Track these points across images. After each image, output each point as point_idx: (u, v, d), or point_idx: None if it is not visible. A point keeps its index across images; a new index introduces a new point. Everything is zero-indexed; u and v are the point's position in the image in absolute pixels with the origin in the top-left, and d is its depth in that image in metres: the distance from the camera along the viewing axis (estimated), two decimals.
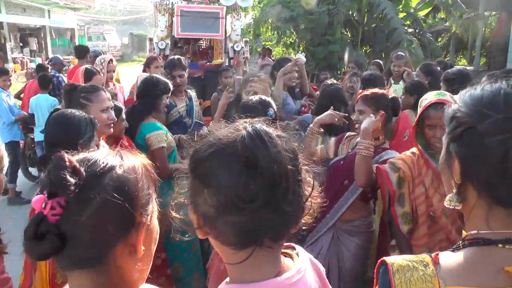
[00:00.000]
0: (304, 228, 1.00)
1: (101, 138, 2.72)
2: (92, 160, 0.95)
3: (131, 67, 17.63)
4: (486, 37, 16.79)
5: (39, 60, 19.09)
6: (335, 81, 4.43)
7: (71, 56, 11.26)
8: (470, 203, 0.96)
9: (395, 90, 5.59)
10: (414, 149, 2.58)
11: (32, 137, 6.71)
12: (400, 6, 13.93)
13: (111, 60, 5.60)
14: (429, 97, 2.47)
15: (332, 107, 3.18)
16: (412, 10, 14.45)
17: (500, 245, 0.90)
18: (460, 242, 0.99)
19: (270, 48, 14.04)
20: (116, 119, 2.77)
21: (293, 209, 0.93)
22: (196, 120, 4.29)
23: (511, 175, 0.87)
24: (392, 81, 6.00)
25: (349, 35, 14.88)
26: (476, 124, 0.91)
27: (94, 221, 0.89)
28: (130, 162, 1.00)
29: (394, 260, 0.98)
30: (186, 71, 4.37)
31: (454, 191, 0.98)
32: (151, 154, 3.14)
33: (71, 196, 0.88)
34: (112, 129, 2.73)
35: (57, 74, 7.60)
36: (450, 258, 0.96)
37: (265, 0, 15.27)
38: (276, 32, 14.98)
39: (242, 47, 7.70)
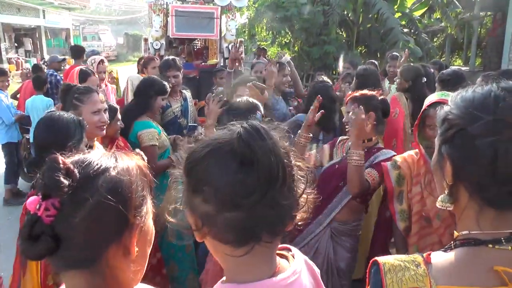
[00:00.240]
0: (299, 224, 1.01)
1: (95, 139, 2.72)
2: (87, 162, 0.96)
3: (126, 67, 17.61)
4: (481, 38, 16.89)
5: (34, 61, 19.03)
6: (325, 79, 4.41)
7: (67, 56, 11.19)
8: (461, 204, 0.97)
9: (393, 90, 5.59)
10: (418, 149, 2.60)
11: (28, 137, 6.69)
12: (396, 6, 13.96)
13: (101, 60, 5.60)
14: (432, 97, 2.48)
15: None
16: (407, 10, 14.47)
17: (490, 245, 0.91)
18: (452, 242, 1.00)
19: (265, 48, 14.05)
20: (107, 121, 2.74)
21: (289, 204, 0.95)
22: (190, 123, 4.29)
23: (501, 177, 0.88)
24: (388, 82, 6.00)
25: (344, 35, 14.91)
26: (467, 126, 0.92)
27: (88, 222, 0.90)
28: (124, 163, 1.00)
29: (386, 260, 0.99)
30: (181, 71, 4.37)
31: (446, 192, 0.99)
32: (142, 151, 3.15)
33: (65, 197, 0.89)
34: (104, 132, 2.72)
35: (54, 73, 7.59)
36: (441, 258, 0.97)
37: (260, 0, 15.28)
38: (271, 32, 14.99)
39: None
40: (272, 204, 0.91)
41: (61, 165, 0.90)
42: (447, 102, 1.02)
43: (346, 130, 2.93)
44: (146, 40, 8.20)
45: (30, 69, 9.30)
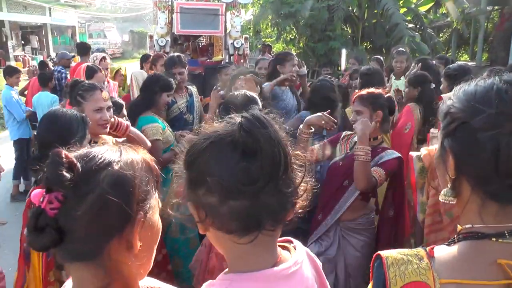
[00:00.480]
0: (300, 211, 1.02)
1: (101, 135, 2.72)
2: (90, 156, 0.96)
3: (131, 64, 17.65)
4: (488, 32, 16.73)
5: (40, 58, 19.11)
6: (328, 77, 4.39)
7: (73, 53, 11.25)
8: (464, 197, 0.97)
9: (396, 86, 5.57)
10: None
11: (36, 134, 6.74)
12: (401, 2, 13.89)
13: (103, 57, 5.63)
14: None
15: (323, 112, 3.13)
16: (413, 6, 14.40)
17: (493, 239, 0.91)
18: (455, 236, 0.99)
19: (270, 44, 14.03)
20: (110, 119, 2.73)
21: (290, 192, 0.96)
22: (196, 119, 4.31)
23: (503, 170, 0.87)
24: (394, 77, 5.98)
25: (349, 31, 14.86)
26: (469, 119, 0.91)
27: (90, 216, 0.90)
28: (128, 157, 1.01)
29: (389, 253, 0.99)
30: (186, 68, 4.39)
31: (449, 185, 0.99)
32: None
33: (68, 191, 0.90)
34: (107, 130, 2.71)
35: (62, 70, 7.63)
36: (444, 252, 0.97)
37: None
38: (276, 28, 14.96)
39: (242, 44, 7.70)
40: (274, 191, 0.93)
41: (64, 159, 0.91)
42: None
43: (354, 127, 2.94)
44: (151, 37, 8.21)
45: (37, 66, 9.37)
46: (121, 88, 6.54)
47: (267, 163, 0.91)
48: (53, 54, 22.65)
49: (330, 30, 13.26)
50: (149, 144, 3.07)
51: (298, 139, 2.91)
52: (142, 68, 7.14)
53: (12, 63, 20.06)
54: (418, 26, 14.01)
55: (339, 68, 12.56)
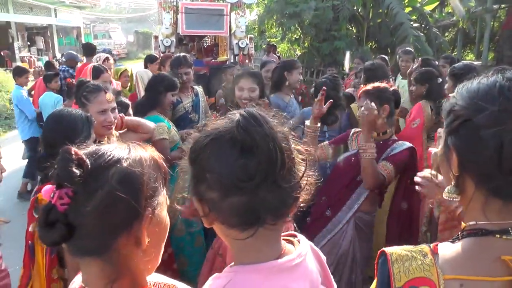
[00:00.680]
0: (302, 205, 1.04)
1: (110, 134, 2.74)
2: (99, 153, 0.98)
3: (136, 65, 17.71)
4: (494, 31, 16.64)
5: (46, 59, 19.21)
6: (332, 76, 4.38)
7: (79, 54, 11.32)
8: (468, 194, 0.97)
9: (403, 86, 5.55)
10: None
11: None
12: (406, 1, 13.84)
13: (106, 58, 5.66)
14: None
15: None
16: (418, 5, 14.33)
17: (497, 236, 0.91)
18: (459, 233, 1.00)
19: (275, 44, 14.02)
20: (114, 120, 2.74)
21: (290, 187, 0.98)
22: (202, 118, 4.32)
23: (507, 167, 0.88)
24: (401, 77, 5.95)
25: (354, 31, 14.81)
26: (472, 117, 0.92)
27: (99, 211, 0.92)
28: (137, 155, 1.02)
29: (393, 250, 1.00)
30: (192, 68, 4.41)
31: (453, 183, 1.00)
32: (153, 145, 3.19)
33: (77, 187, 0.92)
34: (111, 131, 2.72)
35: (67, 69, 7.68)
36: (448, 249, 0.97)
37: None
38: (280, 28, 14.94)
39: (247, 44, 7.71)
40: (273, 187, 0.94)
41: (74, 156, 0.93)
42: None
43: (360, 123, 2.94)
44: (156, 37, 8.23)
45: (42, 67, 9.42)
46: (126, 88, 6.56)
47: (264, 160, 0.92)
48: (58, 55, 22.75)
49: (335, 30, 13.23)
50: (150, 125, 3.09)
51: (306, 134, 2.93)
52: (146, 68, 7.17)
53: (18, 64, 20.14)
54: (423, 25, 13.94)
55: (344, 68, 12.55)
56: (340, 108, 3.97)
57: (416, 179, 2.03)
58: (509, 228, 0.91)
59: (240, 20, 7.84)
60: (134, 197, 0.96)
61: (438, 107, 4.01)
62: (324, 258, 1.19)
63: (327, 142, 3.24)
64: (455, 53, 17.06)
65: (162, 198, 1.06)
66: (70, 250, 0.98)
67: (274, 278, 0.98)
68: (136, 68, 8.08)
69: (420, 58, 5.24)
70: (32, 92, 7.56)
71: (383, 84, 2.98)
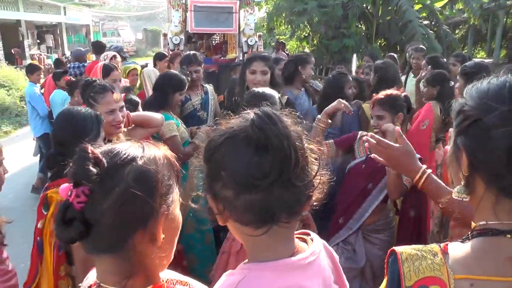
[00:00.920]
0: (315, 204, 1.05)
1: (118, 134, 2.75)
2: (115, 152, 1.00)
3: (145, 62, 17.77)
4: (507, 28, 16.45)
5: (55, 57, 19.34)
6: (341, 72, 4.36)
7: (87, 48, 11.37)
8: (478, 195, 0.97)
9: (413, 84, 5.51)
10: None
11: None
12: None
13: (114, 56, 5.67)
14: None
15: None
16: (428, 2, 14.23)
17: (508, 236, 0.91)
18: (469, 233, 1.00)
19: (284, 42, 14.00)
20: (123, 119, 2.73)
21: (304, 185, 0.99)
22: (211, 116, 4.32)
23: None
24: (412, 75, 5.91)
25: (364, 28, 14.75)
26: (482, 117, 0.92)
27: (115, 209, 0.94)
28: (151, 153, 1.04)
29: (404, 249, 1.00)
30: (202, 66, 4.41)
31: (462, 183, 1.00)
32: (165, 143, 3.20)
33: (94, 185, 0.93)
34: (120, 129, 2.73)
35: (78, 65, 7.72)
36: (459, 248, 0.97)
37: None
38: (289, 25, 14.91)
39: (256, 42, 7.70)
40: (287, 185, 0.95)
41: (90, 155, 0.95)
42: None
43: (375, 132, 2.91)
44: (165, 35, 8.23)
45: (52, 64, 9.49)
46: (136, 86, 6.59)
47: (278, 158, 0.93)
48: (67, 53, 22.89)
49: (344, 28, 13.19)
50: (158, 117, 3.09)
51: (314, 128, 2.89)
52: (155, 66, 7.18)
53: (28, 61, 20.31)
54: (433, 22, 13.84)
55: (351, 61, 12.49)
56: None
57: (365, 138, 2.02)
58: None
59: (249, 17, 7.82)
60: (150, 194, 0.98)
61: (447, 108, 3.98)
62: (337, 256, 1.20)
63: (332, 140, 3.22)
64: (466, 50, 16.91)
65: (176, 196, 1.08)
66: (86, 247, 1.00)
67: (288, 276, 0.98)
68: (146, 66, 8.10)
69: (426, 57, 5.20)
70: (42, 90, 7.63)
71: (394, 92, 2.96)
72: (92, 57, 8.33)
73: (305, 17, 13.42)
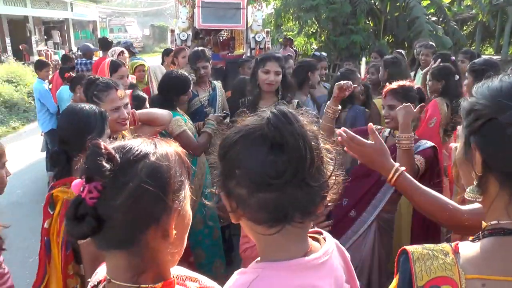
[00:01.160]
0: (329, 205, 1.04)
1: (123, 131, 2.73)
2: (127, 148, 1.00)
3: (152, 58, 17.80)
4: None
5: (62, 53, 19.44)
6: (349, 69, 4.36)
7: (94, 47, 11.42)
8: (491, 194, 0.96)
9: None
10: None
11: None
12: None
13: (121, 52, 5.68)
14: None
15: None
16: None
17: None
18: (480, 232, 0.99)
19: (291, 38, 13.97)
20: (128, 116, 2.71)
21: (318, 185, 0.98)
22: (218, 112, 4.31)
23: None
24: (421, 72, 5.88)
25: (371, 25, 14.69)
26: (496, 115, 0.91)
27: (128, 205, 0.94)
28: (163, 149, 1.04)
29: (415, 248, 0.99)
30: (210, 62, 4.41)
31: (475, 183, 0.99)
32: (176, 140, 3.19)
33: (106, 181, 0.93)
34: (126, 126, 2.71)
35: (84, 62, 7.75)
36: (469, 248, 0.96)
37: None
38: (297, 22, 14.87)
39: (264, 38, 7.68)
40: (301, 185, 0.95)
41: (103, 150, 0.95)
42: None
43: (386, 122, 2.92)
44: (172, 31, 8.23)
45: (59, 60, 9.53)
46: (143, 82, 6.61)
47: (293, 157, 0.93)
48: (74, 49, 22.98)
49: (352, 24, 13.14)
50: (164, 113, 3.09)
51: (324, 113, 2.89)
52: (163, 62, 7.19)
53: (36, 57, 20.43)
54: (441, 19, 13.76)
55: (360, 63, 12.46)
56: (352, 101, 3.96)
57: (337, 132, 1.97)
58: None
59: (256, 13, 7.81)
60: (163, 190, 0.98)
61: (456, 106, 3.95)
62: (348, 256, 1.19)
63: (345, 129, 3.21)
64: (473, 47, 16.80)
65: (187, 192, 1.08)
66: (97, 243, 0.99)
67: (301, 276, 0.98)
68: (152, 62, 8.13)
69: (435, 54, 5.17)
70: (50, 86, 7.67)
71: (408, 83, 2.95)
72: (99, 53, 8.37)
73: (313, 13, 13.36)
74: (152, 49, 35.19)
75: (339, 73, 4.17)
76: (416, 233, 3.04)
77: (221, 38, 8.83)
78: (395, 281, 1.01)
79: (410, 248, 1.00)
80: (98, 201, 0.93)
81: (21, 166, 7.60)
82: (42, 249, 2.08)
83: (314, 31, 15.54)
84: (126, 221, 0.95)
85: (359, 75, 4.15)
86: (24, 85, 13.76)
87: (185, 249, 1.11)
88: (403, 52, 6.92)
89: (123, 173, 0.95)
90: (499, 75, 0.99)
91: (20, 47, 21.28)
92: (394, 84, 2.93)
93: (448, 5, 15.06)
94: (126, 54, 6.00)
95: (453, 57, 5.23)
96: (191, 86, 3.78)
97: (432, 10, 14.00)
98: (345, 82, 2.87)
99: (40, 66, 7.14)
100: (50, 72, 7.60)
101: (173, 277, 1.10)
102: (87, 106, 2.21)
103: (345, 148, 1.94)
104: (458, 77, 4.25)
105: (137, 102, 3.47)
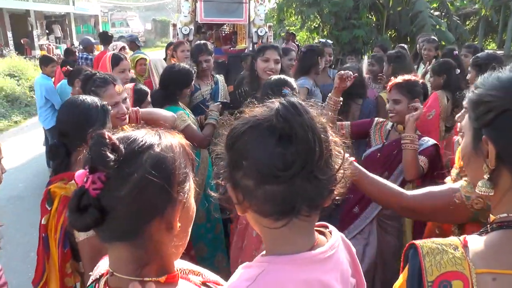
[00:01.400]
0: (337, 199, 1.03)
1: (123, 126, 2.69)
2: (132, 139, 0.98)
3: (154, 53, 17.77)
4: None
5: (64, 47, 19.44)
6: (353, 64, 4.37)
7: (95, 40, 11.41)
8: (502, 188, 0.95)
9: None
10: None
11: None
12: None
13: (123, 47, 5.66)
14: None
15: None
16: None
17: None
18: (488, 225, 0.98)
19: (294, 33, 13.92)
20: (127, 111, 2.68)
21: (327, 179, 0.96)
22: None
23: None
24: (423, 66, 5.88)
25: (374, 19, 14.63)
26: (511, 106, 0.90)
27: (132, 196, 0.92)
28: (167, 141, 1.02)
29: (424, 243, 0.98)
30: (212, 56, 4.40)
31: (487, 177, 0.97)
32: (181, 134, 3.18)
33: (110, 172, 0.91)
34: (126, 121, 2.67)
35: (87, 56, 7.73)
36: (478, 241, 0.95)
37: None
38: (300, 16, 14.83)
39: (266, 32, 7.66)
40: (309, 178, 0.93)
41: (108, 140, 0.93)
42: None
43: (390, 116, 2.93)
44: (174, 25, 8.22)
45: (61, 55, 9.51)
46: (143, 77, 6.59)
47: (302, 149, 0.91)
48: (76, 43, 22.95)
49: (355, 18, 13.10)
50: (167, 114, 3.07)
51: (326, 105, 2.92)
52: (167, 56, 7.18)
53: (37, 52, 20.46)
54: (443, 13, 13.71)
55: (362, 57, 12.41)
56: (359, 96, 3.96)
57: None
58: None
59: (259, 8, 7.78)
60: (168, 181, 0.96)
61: (458, 99, 3.94)
62: (354, 250, 1.18)
63: (349, 122, 3.22)
64: (476, 42, 16.74)
65: (192, 184, 1.06)
66: (100, 235, 0.98)
67: (307, 270, 0.97)
68: (154, 56, 8.11)
69: (445, 48, 5.17)
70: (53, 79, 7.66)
71: (413, 77, 2.94)
72: (100, 47, 8.36)
73: (315, 8, 13.31)
74: (154, 44, 35.13)
75: (344, 67, 4.17)
76: (418, 231, 3.03)
77: (223, 32, 8.80)
78: (403, 276, 0.99)
79: (419, 242, 0.98)
80: (101, 192, 0.91)
81: (23, 160, 7.60)
82: (40, 246, 2.03)
83: (316, 25, 15.47)
84: (130, 213, 0.93)
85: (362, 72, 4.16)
86: (26, 79, 13.76)
87: (188, 243, 1.10)
88: (405, 46, 6.89)
89: (127, 164, 0.93)
90: (508, 67, 0.98)
91: (21, 41, 21.29)
92: (399, 78, 2.92)
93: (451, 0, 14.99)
94: (128, 49, 5.98)
95: (456, 52, 5.22)
96: (194, 79, 3.76)
97: (435, 5, 13.94)
98: (345, 71, 2.88)
99: (45, 62, 7.03)
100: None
101: (177, 270, 1.09)
102: (88, 98, 2.15)
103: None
104: (459, 70, 4.25)
105: (139, 96, 3.45)
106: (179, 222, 1.00)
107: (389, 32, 14.48)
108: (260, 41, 7.60)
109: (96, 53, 8.19)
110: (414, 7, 12.32)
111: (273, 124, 0.93)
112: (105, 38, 7.45)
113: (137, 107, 2.86)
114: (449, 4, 14.15)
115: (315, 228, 1.07)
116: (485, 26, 17.65)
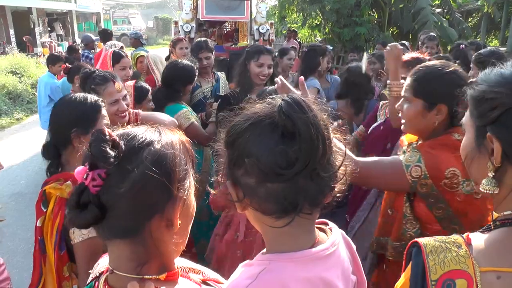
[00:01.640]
0: (338, 196, 1.02)
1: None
2: (132, 135, 0.97)
3: (156, 50, 17.80)
4: None
5: (66, 44, 19.43)
6: (355, 63, 4.35)
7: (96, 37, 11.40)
8: (507, 186, 0.94)
9: None
10: None
11: None
12: None
13: (121, 47, 5.65)
14: None
15: None
16: None
17: None
18: (491, 223, 0.97)
19: (295, 30, 13.90)
20: (127, 108, 2.66)
21: (328, 176, 0.95)
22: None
23: None
24: None
25: (376, 16, 14.60)
26: None
27: (132, 193, 0.91)
28: (168, 137, 1.01)
29: (427, 241, 0.97)
30: (213, 53, 4.39)
31: (491, 175, 0.95)
32: (185, 132, 3.17)
33: (111, 168, 0.91)
34: (126, 118, 2.65)
35: (88, 55, 7.72)
36: (481, 239, 0.94)
37: None
38: (301, 14, 14.80)
39: (268, 29, 7.64)
40: (312, 175, 0.92)
41: (108, 137, 0.92)
42: None
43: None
44: (176, 23, 8.22)
45: (63, 52, 9.50)
46: (143, 73, 6.58)
47: (305, 147, 0.90)
48: (78, 41, 22.95)
49: (356, 16, 13.07)
50: (169, 119, 3.04)
51: (389, 94, 2.89)
52: (171, 52, 7.16)
53: (39, 49, 20.46)
54: (445, 10, 13.67)
55: (363, 55, 12.36)
56: (371, 92, 3.94)
57: (276, 80, 1.99)
58: None
59: (260, 5, 7.78)
60: (168, 178, 0.95)
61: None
62: (354, 246, 1.18)
63: (355, 134, 3.32)
64: (479, 39, 16.69)
65: (192, 181, 1.05)
66: (100, 232, 0.97)
67: (309, 267, 0.96)
68: (156, 53, 8.11)
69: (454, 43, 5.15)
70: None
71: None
72: (101, 45, 8.35)
73: (317, 5, 13.29)
74: (155, 41, 35.16)
75: (347, 66, 4.15)
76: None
77: (225, 30, 8.80)
78: (405, 275, 0.98)
79: (422, 240, 0.97)
80: (101, 189, 0.90)
81: (25, 157, 7.60)
82: (37, 249, 1.96)
83: (318, 23, 15.46)
84: (130, 210, 0.93)
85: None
86: (28, 77, 13.76)
87: (189, 240, 1.09)
88: (407, 44, 6.87)
89: (127, 161, 0.92)
90: (509, 63, 0.96)
91: (23, 38, 21.29)
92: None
93: None
94: (125, 49, 5.96)
95: (462, 45, 5.18)
96: (196, 74, 3.76)
97: (437, 2, 13.91)
98: (392, 44, 2.75)
99: (53, 61, 6.94)
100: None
101: (177, 268, 1.08)
102: (80, 96, 2.07)
103: None
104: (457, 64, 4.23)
105: (139, 93, 3.44)
106: (180, 219, 0.99)
107: (391, 29, 14.46)
108: (262, 38, 7.60)
109: (97, 50, 8.18)
110: (416, 4, 12.29)
111: (276, 121, 0.92)
112: (105, 35, 7.43)
113: (139, 110, 2.84)
114: (451, 1, 14.09)
115: (316, 226, 1.07)
116: (487, 23, 17.57)
